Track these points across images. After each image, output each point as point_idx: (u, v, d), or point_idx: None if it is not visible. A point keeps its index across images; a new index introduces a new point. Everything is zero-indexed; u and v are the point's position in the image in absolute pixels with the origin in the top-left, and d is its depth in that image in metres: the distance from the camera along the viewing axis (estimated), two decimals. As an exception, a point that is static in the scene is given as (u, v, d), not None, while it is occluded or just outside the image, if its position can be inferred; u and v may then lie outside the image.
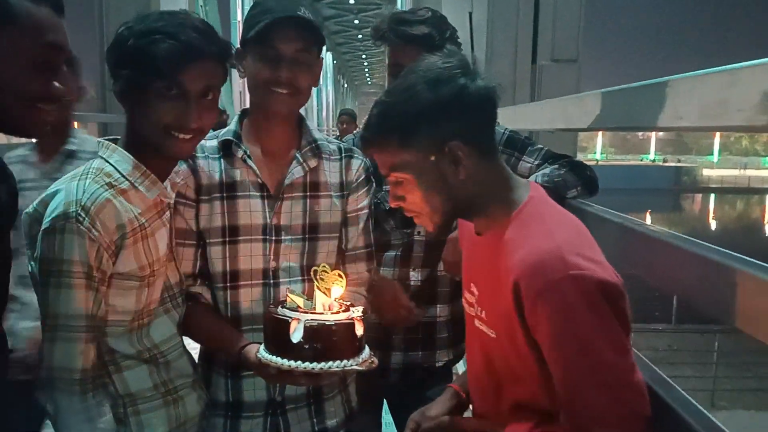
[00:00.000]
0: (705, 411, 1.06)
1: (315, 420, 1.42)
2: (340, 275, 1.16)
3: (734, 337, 8.01)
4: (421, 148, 1.00)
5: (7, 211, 1.11)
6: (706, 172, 49.89)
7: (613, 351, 0.89)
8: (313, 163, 1.40)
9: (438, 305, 1.72)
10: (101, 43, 4.23)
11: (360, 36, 37.75)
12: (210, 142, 1.38)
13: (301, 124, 1.43)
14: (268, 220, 1.36)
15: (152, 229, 1.19)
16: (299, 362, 1.09)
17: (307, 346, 1.09)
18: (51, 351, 1.09)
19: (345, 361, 1.11)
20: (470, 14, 3.25)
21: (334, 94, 38.28)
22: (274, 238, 1.36)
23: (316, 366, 1.09)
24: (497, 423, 1.07)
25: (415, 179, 1.02)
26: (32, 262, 1.12)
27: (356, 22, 33.40)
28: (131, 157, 1.18)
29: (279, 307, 1.16)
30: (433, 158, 1.00)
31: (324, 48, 1.42)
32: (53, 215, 1.07)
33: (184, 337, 1.33)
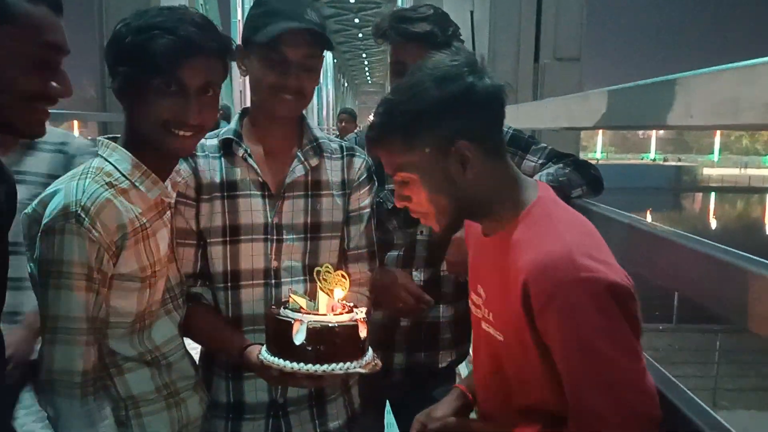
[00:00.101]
0: (710, 411, 1.05)
1: (317, 422, 1.40)
2: (343, 276, 1.15)
3: (736, 337, 8.00)
4: (428, 147, 0.99)
5: (6, 211, 1.10)
6: (706, 171, 49.89)
7: (623, 354, 0.88)
8: (314, 161, 1.39)
9: (441, 306, 1.71)
10: (101, 43, 4.22)
11: (360, 35, 37.75)
12: (210, 141, 1.37)
13: (302, 123, 1.42)
14: (270, 220, 1.35)
15: (153, 229, 1.18)
16: (302, 364, 1.08)
17: (309, 348, 1.08)
18: (51, 354, 1.08)
19: (348, 364, 1.10)
20: (471, 13, 3.24)
21: (334, 93, 38.29)
22: (275, 237, 1.35)
23: (319, 368, 1.08)
24: (504, 425, 1.05)
25: (421, 179, 1.01)
26: (31, 264, 1.11)
27: (356, 20, 33.39)
28: (131, 156, 1.16)
29: (281, 308, 1.14)
30: (439, 158, 0.99)
31: (325, 46, 1.40)
32: (52, 215, 1.06)
33: (184, 338, 1.32)
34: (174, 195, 1.26)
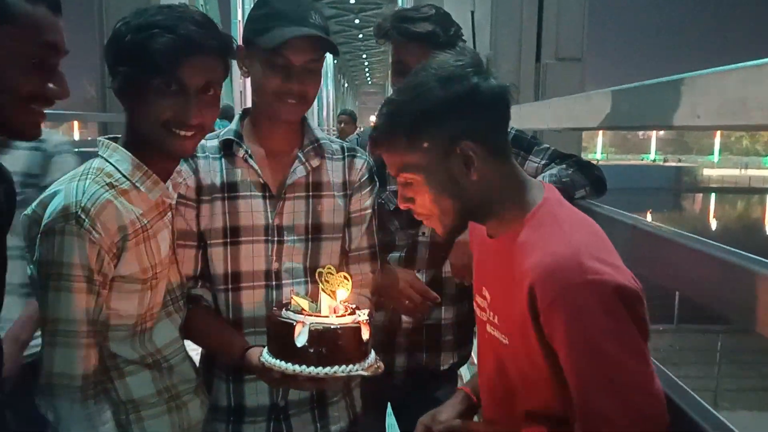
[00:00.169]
0: (716, 413, 1.04)
1: (319, 425, 1.40)
2: (345, 277, 1.14)
3: (737, 337, 7.99)
4: (432, 147, 0.98)
5: (5, 212, 1.09)
6: (706, 171, 49.87)
7: (631, 357, 0.87)
8: (315, 162, 1.38)
9: (443, 307, 1.70)
10: (101, 43, 4.21)
11: (360, 36, 37.76)
12: (211, 142, 1.36)
13: (303, 124, 1.41)
14: (270, 221, 1.34)
15: (154, 230, 1.17)
16: (304, 366, 1.07)
17: (312, 350, 1.07)
18: (51, 356, 1.07)
19: (351, 366, 1.09)
20: (472, 13, 3.23)
21: (334, 94, 38.30)
22: (276, 238, 1.34)
23: (321, 371, 1.07)
24: (509, 429, 1.04)
25: (425, 180, 1.00)
26: (31, 266, 1.10)
27: (357, 21, 33.39)
28: (132, 156, 1.15)
29: (283, 309, 1.13)
30: (443, 159, 0.98)
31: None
32: (52, 217, 1.05)
33: (184, 341, 1.31)
34: (175, 196, 1.25)
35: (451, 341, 1.74)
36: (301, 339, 1.07)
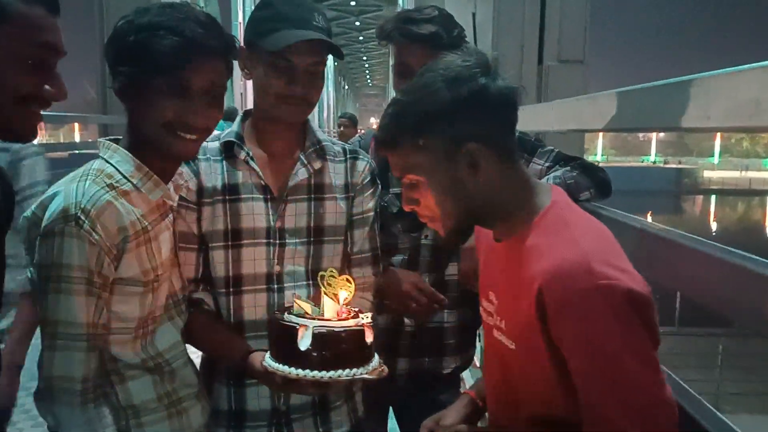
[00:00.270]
0: (721, 415, 1.03)
1: (320, 430, 1.38)
2: (348, 280, 1.12)
3: (738, 340, 7.97)
4: (437, 149, 0.96)
5: (3, 212, 1.08)
6: (706, 173, 49.84)
7: (642, 364, 0.86)
8: (317, 164, 1.37)
9: (446, 311, 1.68)
10: (101, 44, 4.20)
11: (361, 38, 37.79)
12: (212, 144, 1.35)
13: (305, 126, 1.40)
14: (272, 224, 1.33)
15: (155, 232, 1.16)
16: (307, 371, 1.06)
17: (315, 354, 1.05)
18: (50, 360, 1.05)
19: (354, 370, 1.07)
20: (473, 15, 3.23)
21: (335, 96, 38.32)
22: (278, 241, 1.33)
23: (325, 375, 1.05)
24: None
25: (430, 182, 0.98)
26: (31, 268, 1.08)
27: (357, 23, 33.42)
28: (133, 157, 1.14)
29: (285, 313, 1.12)
30: (449, 160, 0.96)
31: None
32: (52, 218, 1.04)
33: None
34: (176, 197, 1.24)
35: (454, 344, 1.73)
36: (304, 343, 1.05)
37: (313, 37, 1.23)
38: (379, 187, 1.49)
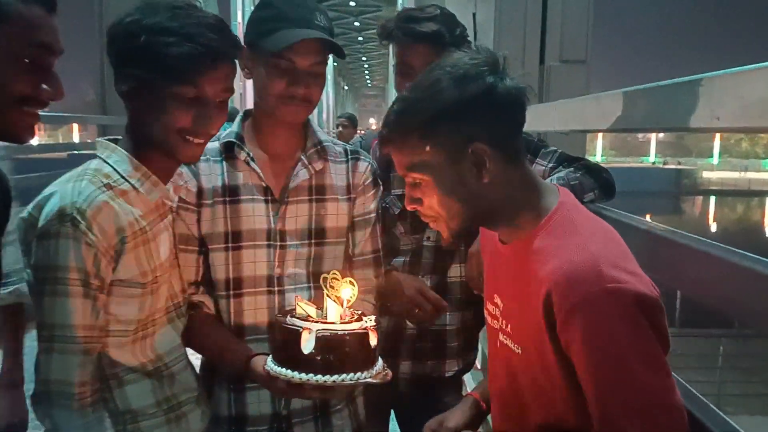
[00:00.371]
0: (726, 417, 1.02)
1: None
2: (351, 283, 1.11)
3: (739, 341, 7.96)
4: (443, 148, 0.95)
5: (1, 211, 1.07)
6: (706, 174, 49.84)
7: (652, 369, 0.84)
8: (318, 165, 1.35)
9: (448, 313, 1.67)
10: (101, 44, 4.19)
11: (360, 38, 37.76)
12: (212, 144, 1.33)
13: (306, 126, 1.38)
14: (273, 225, 1.31)
15: (154, 233, 1.14)
16: (311, 375, 1.04)
17: (319, 358, 1.04)
18: (47, 363, 1.04)
19: (359, 374, 1.06)
20: (474, 15, 3.21)
21: (334, 97, 38.33)
22: (278, 243, 1.32)
23: (329, 379, 1.04)
24: None
25: (434, 181, 0.97)
26: (28, 270, 1.07)
27: (356, 24, 33.40)
28: (131, 157, 1.12)
29: (288, 316, 1.10)
30: (454, 160, 0.95)
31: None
32: (48, 219, 1.02)
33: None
34: (176, 198, 1.22)
35: (456, 347, 1.71)
36: (307, 346, 1.04)
37: (314, 36, 1.22)
38: (381, 188, 1.48)
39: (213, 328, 1.31)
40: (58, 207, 1.02)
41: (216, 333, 1.31)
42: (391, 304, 1.49)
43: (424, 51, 1.53)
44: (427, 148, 0.95)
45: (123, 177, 1.11)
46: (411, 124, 0.96)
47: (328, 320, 1.09)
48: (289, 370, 1.06)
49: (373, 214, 1.43)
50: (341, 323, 1.08)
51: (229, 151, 1.33)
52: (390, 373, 1.12)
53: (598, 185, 1.50)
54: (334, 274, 1.12)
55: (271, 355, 1.13)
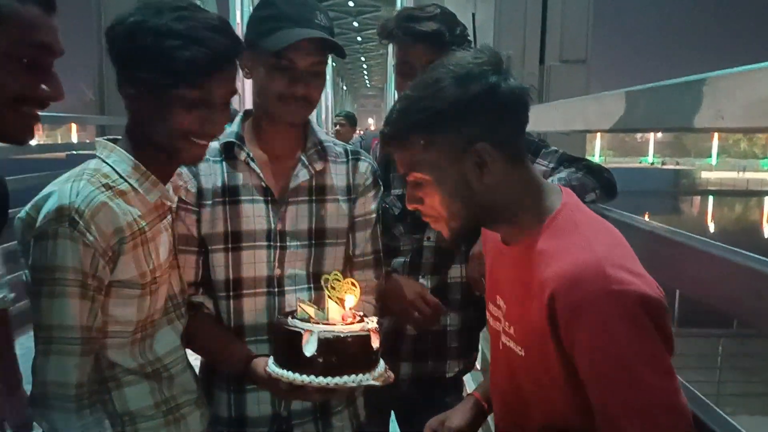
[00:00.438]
0: (729, 418, 1.01)
1: None
2: (353, 284, 1.10)
3: (738, 341, 7.95)
4: (444, 147, 0.94)
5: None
6: (704, 174, 49.89)
7: (656, 372, 0.84)
8: (319, 165, 1.35)
9: (449, 314, 1.66)
10: (99, 44, 4.17)
11: (359, 38, 37.77)
12: (211, 145, 1.32)
13: (306, 126, 1.38)
14: (273, 226, 1.31)
15: (153, 233, 1.13)
16: (312, 377, 1.03)
17: (321, 360, 1.03)
18: (44, 365, 1.03)
19: (361, 376, 1.05)
20: (473, 15, 3.20)
21: (333, 97, 38.31)
22: (278, 244, 1.31)
23: (331, 381, 1.03)
24: None
25: (436, 181, 0.96)
26: (26, 271, 1.06)
27: (355, 24, 33.40)
28: (131, 157, 1.11)
29: (289, 317, 1.10)
30: (456, 159, 0.94)
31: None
32: (45, 219, 1.01)
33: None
34: (176, 199, 1.22)
35: (457, 348, 1.71)
36: (309, 348, 1.03)
37: (315, 36, 1.21)
38: (381, 188, 1.47)
39: (213, 329, 1.30)
40: (56, 207, 1.01)
41: (216, 334, 1.30)
42: (391, 306, 1.49)
43: (424, 50, 1.52)
44: (429, 148, 0.95)
45: (122, 177, 1.10)
46: (413, 122, 0.95)
47: (330, 322, 1.08)
48: (290, 372, 1.05)
49: (373, 215, 1.43)
50: (343, 325, 1.07)
51: (229, 152, 1.32)
52: (392, 375, 1.11)
53: (599, 185, 1.49)
54: (336, 275, 1.11)
55: (272, 357, 1.12)
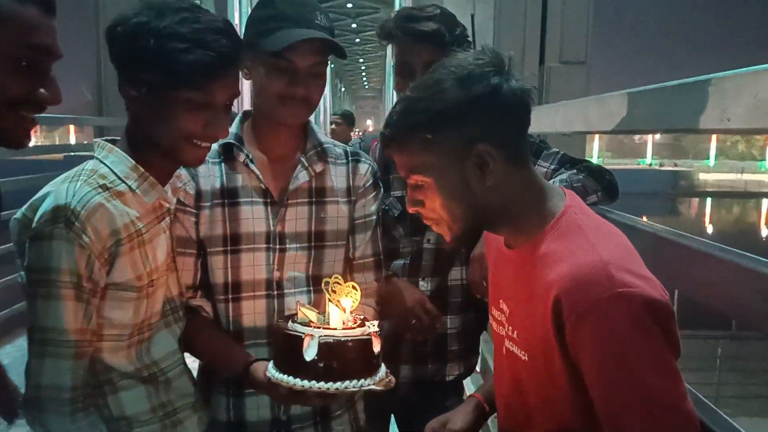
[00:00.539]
0: (730, 420, 1.00)
1: None
2: (354, 287, 1.09)
3: (737, 343, 7.95)
4: (446, 149, 0.93)
5: None
6: (702, 176, 49.95)
7: (663, 376, 0.82)
8: (318, 167, 1.34)
9: (449, 316, 1.65)
10: (98, 45, 4.16)
11: (358, 40, 37.77)
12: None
13: (306, 127, 1.36)
14: (272, 228, 1.29)
15: (150, 235, 1.12)
16: (313, 382, 1.02)
17: (321, 365, 1.02)
18: (39, 368, 1.02)
19: (362, 381, 1.04)
20: (472, 16, 3.20)
21: (331, 98, 38.32)
22: (278, 246, 1.30)
23: (332, 386, 1.02)
24: None
25: (436, 183, 0.95)
26: (22, 272, 1.05)
27: (354, 26, 33.42)
28: (128, 158, 1.10)
29: (289, 321, 1.08)
30: (457, 161, 0.93)
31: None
32: (41, 220, 1.00)
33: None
34: (174, 200, 1.20)
35: (457, 351, 1.70)
36: (309, 352, 1.02)
37: (315, 36, 1.20)
38: (382, 190, 1.46)
39: (211, 332, 1.29)
40: (52, 208, 1.00)
41: (214, 338, 1.28)
42: (389, 311, 1.47)
43: (423, 50, 1.51)
44: (430, 150, 0.94)
45: (119, 178, 1.09)
46: (413, 124, 0.94)
47: (331, 326, 1.07)
48: (290, 377, 1.04)
49: (373, 217, 1.41)
50: (344, 329, 1.06)
51: (228, 153, 1.31)
52: (393, 379, 1.10)
53: (601, 187, 1.48)
54: (336, 278, 1.10)
55: (271, 361, 1.11)
